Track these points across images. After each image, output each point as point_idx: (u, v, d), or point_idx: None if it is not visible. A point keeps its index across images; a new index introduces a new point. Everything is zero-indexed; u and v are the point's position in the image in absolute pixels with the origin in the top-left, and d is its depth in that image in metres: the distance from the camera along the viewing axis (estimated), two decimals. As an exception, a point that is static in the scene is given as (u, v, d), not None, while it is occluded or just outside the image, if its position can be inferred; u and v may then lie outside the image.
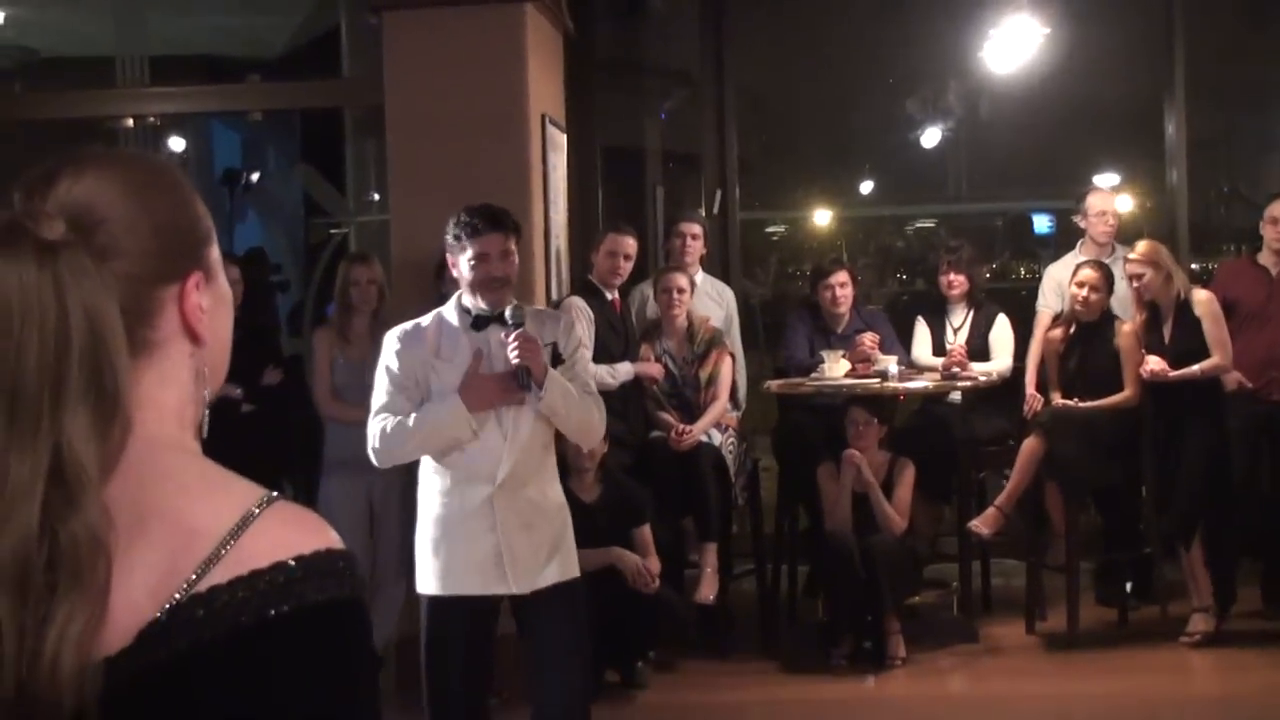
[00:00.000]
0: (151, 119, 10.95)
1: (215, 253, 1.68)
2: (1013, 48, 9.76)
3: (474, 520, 5.09)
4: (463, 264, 5.03)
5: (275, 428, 7.87)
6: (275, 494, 1.52)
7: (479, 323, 5.08)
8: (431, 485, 5.22)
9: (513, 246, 5.06)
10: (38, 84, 11.56)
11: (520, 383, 5.00)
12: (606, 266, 7.84)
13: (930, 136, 13.19)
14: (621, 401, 7.63)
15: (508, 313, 5.04)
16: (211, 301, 1.65)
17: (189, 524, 1.46)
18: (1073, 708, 7.14)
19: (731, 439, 8.07)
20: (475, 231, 4.99)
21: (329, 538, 1.50)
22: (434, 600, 5.23)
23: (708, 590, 7.61)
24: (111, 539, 1.42)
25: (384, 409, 5.07)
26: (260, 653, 1.42)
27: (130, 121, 10.27)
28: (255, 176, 14.94)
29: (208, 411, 1.66)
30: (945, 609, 8.31)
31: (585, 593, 5.33)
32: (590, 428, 5.31)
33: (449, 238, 5.07)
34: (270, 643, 1.42)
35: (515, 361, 4.97)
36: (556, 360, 5.14)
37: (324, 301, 8.06)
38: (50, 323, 1.43)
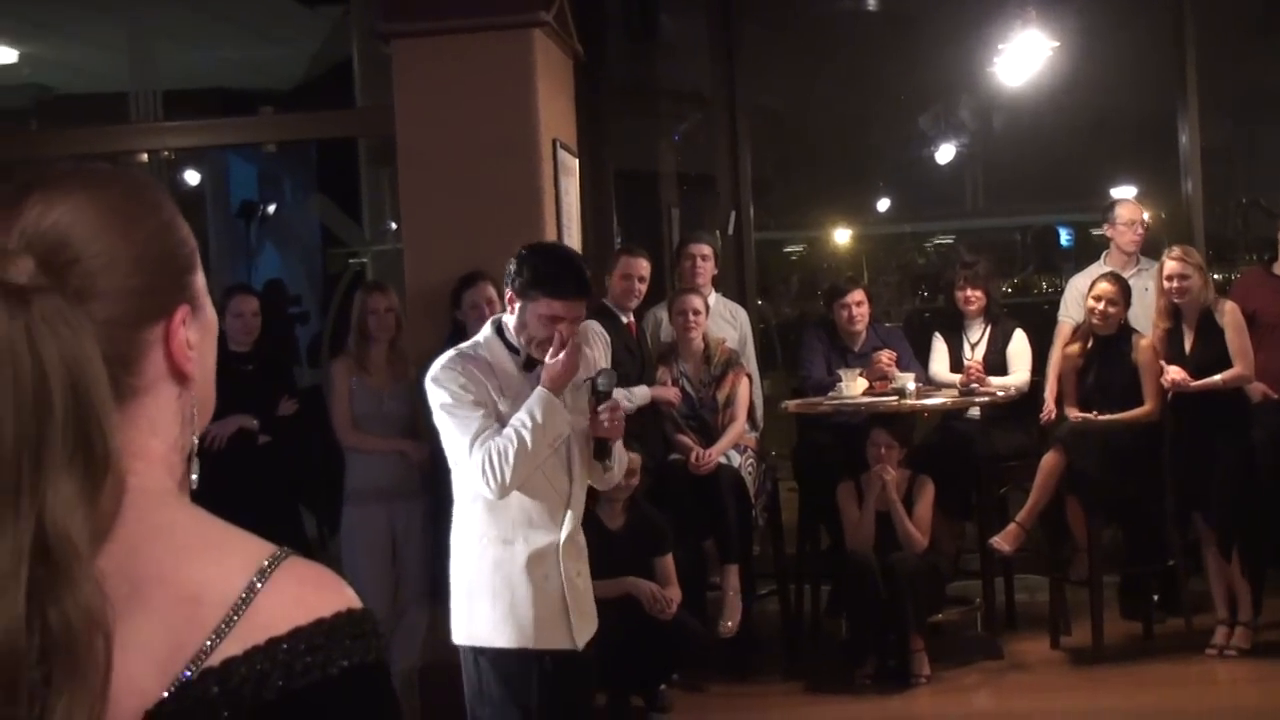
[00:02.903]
0: (166, 153, 11.01)
1: (200, 278, 1.49)
2: (1022, 62, 9.78)
3: (537, 568, 4.63)
4: (529, 313, 4.59)
5: (293, 458, 7.86)
6: (286, 549, 1.38)
7: (530, 364, 4.66)
8: (482, 529, 4.69)
9: (584, 311, 4.70)
10: (52, 121, 11.63)
11: (596, 454, 4.74)
12: (621, 289, 7.82)
13: (945, 152, 13.24)
14: (639, 425, 7.55)
15: (600, 381, 4.71)
16: (199, 335, 1.47)
17: (192, 589, 1.31)
18: (1100, 722, 7.11)
19: (750, 460, 8.04)
20: (558, 293, 4.56)
21: (348, 596, 1.37)
22: (499, 653, 4.69)
23: (731, 616, 7.58)
24: (109, 615, 1.24)
25: (479, 433, 4.51)
26: None
27: (145, 156, 10.31)
28: (272, 208, 14.97)
29: (197, 459, 1.48)
30: (969, 626, 8.27)
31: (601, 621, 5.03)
32: (614, 480, 5.04)
33: (517, 278, 4.60)
34: (298, 719, 1.29)
35: (601, 434, 4.70)
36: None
37: (342, 332, 8.05)
38: (26, 381, 1.23)
